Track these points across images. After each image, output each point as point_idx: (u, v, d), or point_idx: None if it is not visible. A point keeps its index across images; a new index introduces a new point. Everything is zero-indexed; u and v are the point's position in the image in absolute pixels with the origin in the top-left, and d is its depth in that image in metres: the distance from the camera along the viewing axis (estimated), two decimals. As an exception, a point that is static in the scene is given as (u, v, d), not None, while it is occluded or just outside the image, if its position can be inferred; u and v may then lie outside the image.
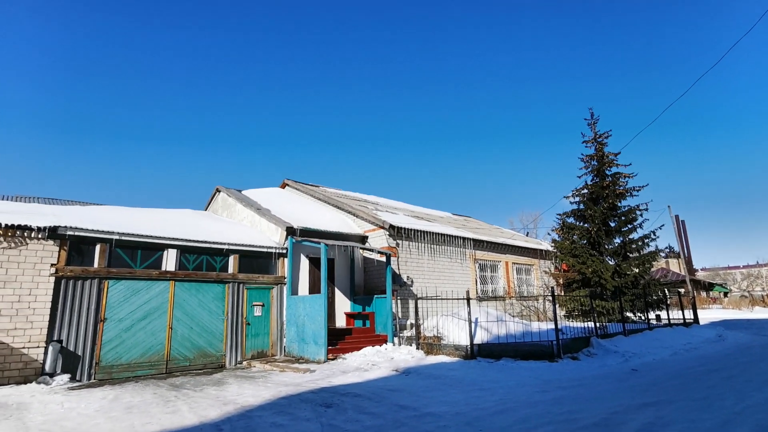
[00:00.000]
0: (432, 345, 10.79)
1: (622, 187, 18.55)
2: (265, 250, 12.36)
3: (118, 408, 6.57)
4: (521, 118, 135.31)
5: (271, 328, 12.17)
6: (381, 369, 9.21)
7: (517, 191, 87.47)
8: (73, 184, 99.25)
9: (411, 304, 13.84)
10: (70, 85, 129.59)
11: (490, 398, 6.71)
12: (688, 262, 54.66)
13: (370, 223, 14.37)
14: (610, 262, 18.27)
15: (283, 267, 12.70)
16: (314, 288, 13.23)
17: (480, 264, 16.68)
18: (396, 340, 12.28)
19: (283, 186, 19.09)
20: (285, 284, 12.54)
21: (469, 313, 10.09)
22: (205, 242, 11.33)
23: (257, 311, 11.99)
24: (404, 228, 14.02)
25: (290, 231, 12.72)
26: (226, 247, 11.64)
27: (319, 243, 11.60)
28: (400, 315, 13.31)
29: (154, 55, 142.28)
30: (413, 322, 12.67)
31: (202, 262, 11.38)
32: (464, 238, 15.91)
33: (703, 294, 42.19)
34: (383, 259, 13.60)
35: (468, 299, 10.24)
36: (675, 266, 46.14)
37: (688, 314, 18.65)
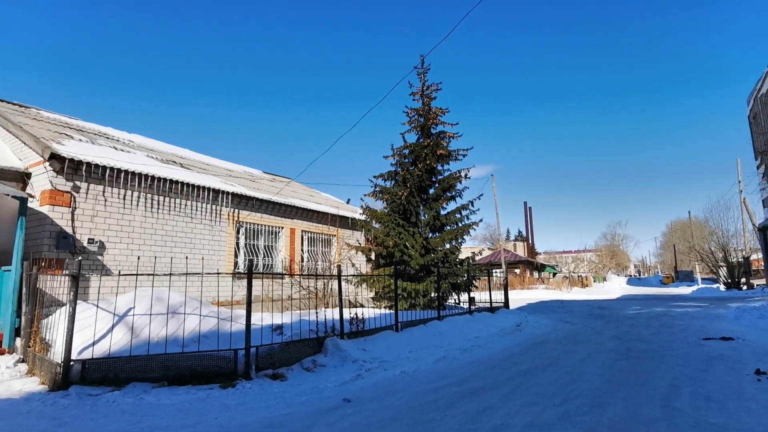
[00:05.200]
0: (36, 358, 6.02)
1: (444, 148, 15.63)
2: None
3: None
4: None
5: None
6: None
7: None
8: None
9: (95, 282, 8.87)
10: None
11: None
12: (531, 246, 58.08)
13: (38, 154, 8.93)
14: (422, 235, 15.34)
15: None
16: None
17: (247, 229, 12.22)
18: (20, 342, 7.25)
19: (-38, 100, 12.38)
20: None
21: (74, 299, 5.50)
22: None
23: None
24: (89, 164, 8.86)
25: None
26: None
27: None
28: (70, 299, 8.23)
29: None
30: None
31: None
32: (217, 191, 11.20)
33: (536, 275, 44.15)
34: (43, 208, 8.40)
35: (75, 276, 5.62)
36: (521, 249, 49.07)
37: (501, 297, 16.69)
